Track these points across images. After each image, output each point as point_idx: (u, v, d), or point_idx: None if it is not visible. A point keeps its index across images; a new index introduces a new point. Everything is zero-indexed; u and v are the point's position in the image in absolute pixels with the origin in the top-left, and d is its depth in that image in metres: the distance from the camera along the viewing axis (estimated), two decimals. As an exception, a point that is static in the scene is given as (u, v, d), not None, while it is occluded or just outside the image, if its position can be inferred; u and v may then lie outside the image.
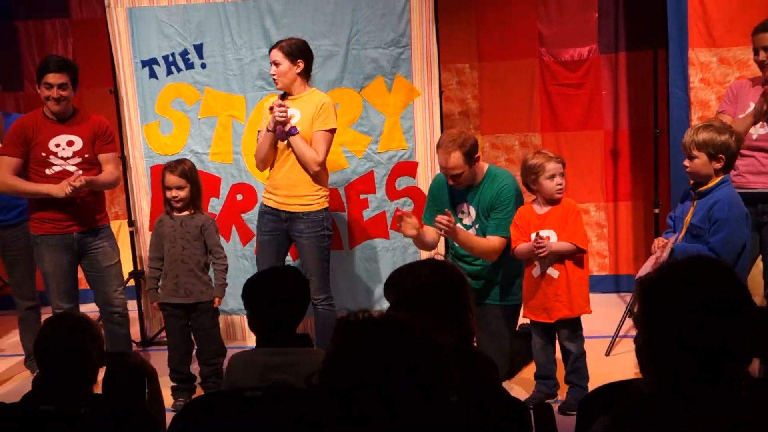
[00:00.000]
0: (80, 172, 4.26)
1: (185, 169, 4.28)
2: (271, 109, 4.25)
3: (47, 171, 4.29)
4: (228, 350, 4.33)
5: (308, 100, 4.33)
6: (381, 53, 4.98)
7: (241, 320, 5.15)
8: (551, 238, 3.90)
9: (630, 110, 5.83)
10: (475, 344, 2.64)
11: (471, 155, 4.18)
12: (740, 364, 1.66)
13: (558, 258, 3.90)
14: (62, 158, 4.30)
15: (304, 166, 4.27)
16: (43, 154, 4.28)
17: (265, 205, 4.43)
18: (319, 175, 4.33)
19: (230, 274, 4.76)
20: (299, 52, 4.32)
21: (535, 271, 3.97)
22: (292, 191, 4.32)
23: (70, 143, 4.32)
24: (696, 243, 3.50)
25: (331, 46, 4.96)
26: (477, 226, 4.34)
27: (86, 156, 4.35)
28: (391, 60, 4.98)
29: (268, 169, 4.41)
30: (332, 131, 4.34)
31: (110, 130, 4.53)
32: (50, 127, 4.31)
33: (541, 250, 3.84)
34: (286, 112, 4.22)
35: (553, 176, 3.92)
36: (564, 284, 3.92)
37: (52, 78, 4.26)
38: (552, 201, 3.98)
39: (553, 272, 3.93)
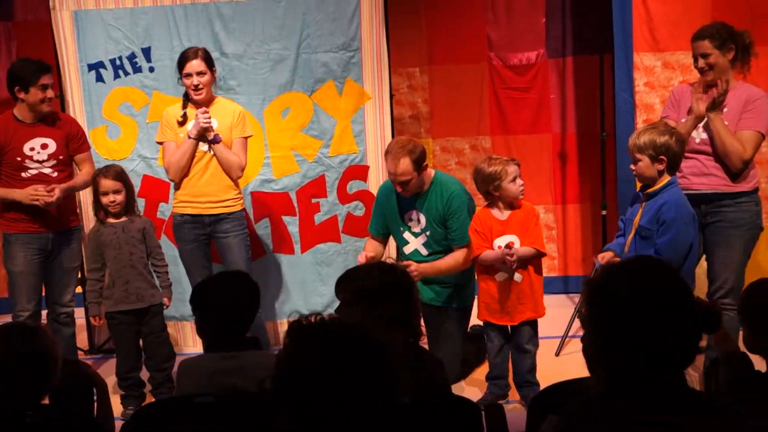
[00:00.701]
0: (56, 189, 4.23)
1: (118, 172, 4.25)
2: (181, 122, 4.32)
3: (23, 174, 4.27)
4: (178, 356, 4.29)
5: (220, 108, 4.40)
6: (331, 57, 4.98)
7: (192, 326, 5.09)
8: (515, 243, 3.92)
9: (577, 114, 5.92)
10: (424, 346, 2.67)
11: (420, 162, 4.19)
12: (684, 364, 1.70)
13: (521, 262, 3.92)
14: (38, 161, 4.28)
15: (228, 172, 4.34)
16: (19, 159, 4.25)
17: (182, 215, 4.41)
18: (239, 179, 4.43)
19: (179, 279, 4.72)
20: (212, 60, 4.40)
21: (499, 276, 3.98)
22: (216, 197, 4.37)
23: (44, 146, 4.29)
24: (645, 244, 3.56)
25: (281, 50, 4.95)
26: (428, 233, 4.35)
27: (61, 158, 4.34)
28: (342, 64, 4.99)
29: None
30: (248, 138, 4.45)
31: (82, 129, 4.56)
32: (23, 131, 4.27)
33: (512, 262, 3.85)
34: (210, 119, 4.26)
35: (515, 179, 3.94)
36: (527, 287, 3.95)
37: (48, 79, 4.25)
38: (513, 205, 4.00)
39: (517, 277, 3.95)
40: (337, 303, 4.83)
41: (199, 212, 4.38)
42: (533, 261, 3.96)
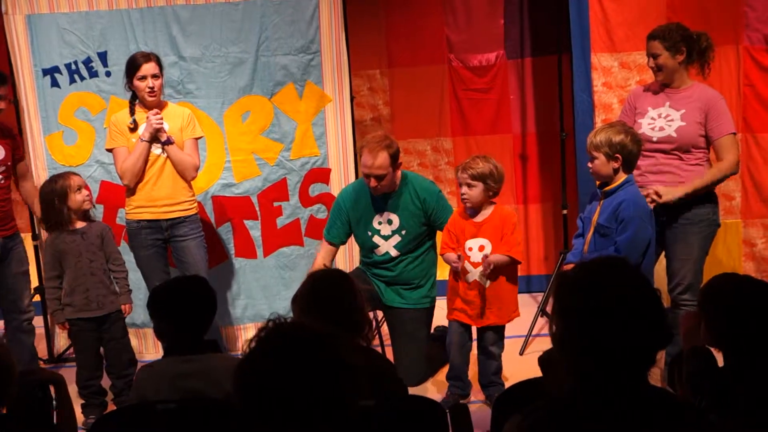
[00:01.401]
0: None
1: (75, 173, 4.27)
2: (132, 128, 4.29)
3: None
4: (140, 363, 4.25)
5: (170, 112, 4.41)
6: (291, 60, 4.96)
7: (152, 333, 5.02)
8: (485, 247, 3.91)
9: (537, 114, 5.96)
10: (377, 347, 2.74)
11: (395, 158, 4.22)
12: (648, 365, 1.73)
13: (494, 270, 3.89)
14: None
15: (183, 173, 4.35)
16: None
17: (139, 221, 4.37)
18: (193, 180, 4.44)
19: (138, 286, 4.67)
20: (162, 64, 4.40)
21: (469, 277, 3.98)
22: (173, 200, 4.36)
23: None
24: (604, 242, 3.61)
25: (240, 53, 4.92)
26: (404, 231, 4.36)
27: (9, 164, 4.37)
28: (301, 66, 4.97)
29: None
30: (199, 139, 4.49)
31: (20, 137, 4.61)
32: None
33: (457, 266, 3.89)
34: (162, 120, 4.26)
35: (460, 185, 3.94)
36: (495, 293, 3.94)
37: (3, 90, 4.27)
38: (470, 210, 4.00)
39: (484, 281, 3.95)
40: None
41: (156, 217, 4.35)
42: (506, 269, 3.95)
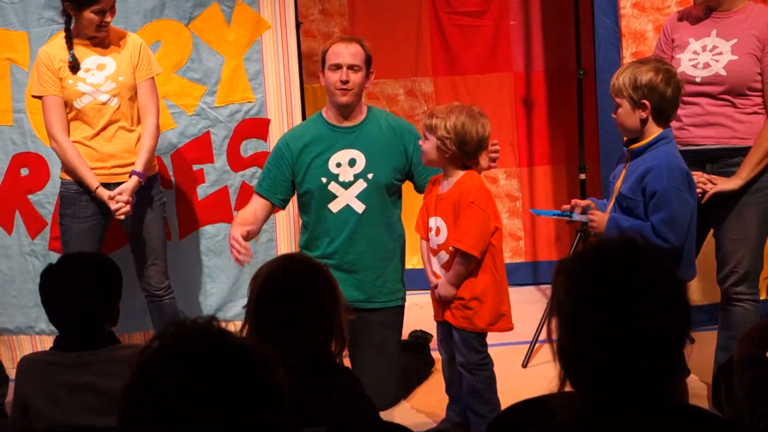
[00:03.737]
0: None
1: None
2: (72, 66, 4.34)
3: None
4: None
5: (115, 44, 4.46)
6: (216, -28, 4.94)
7: (32, 341, 5.00)
8: (441, 229, 3.89)
9: (546, 46, 5.97)
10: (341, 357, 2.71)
11: (369, 64, 4.40)
12: (672, 372, 1.77)
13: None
14: None
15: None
16: None
17: (79, 183, 4.41)
18: None
19: (14, 278, 4.63)
20: None
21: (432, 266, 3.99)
22: (129, 159, 4.44)
23: None
24: (629, 218, 3.61)
25: (147, -38, 4.89)
26: (371, 175, 4.37)
27: None
28: (230, -19, 4.95)
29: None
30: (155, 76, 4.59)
31: None
32: None
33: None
34: (127, 203, 4.36)
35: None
36: (461, 293, 3.89)
37: None
38: (443, 178, 3.97)
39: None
40: (230, 305, 4.84)
41: (104, 180, 4.40)
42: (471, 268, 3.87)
